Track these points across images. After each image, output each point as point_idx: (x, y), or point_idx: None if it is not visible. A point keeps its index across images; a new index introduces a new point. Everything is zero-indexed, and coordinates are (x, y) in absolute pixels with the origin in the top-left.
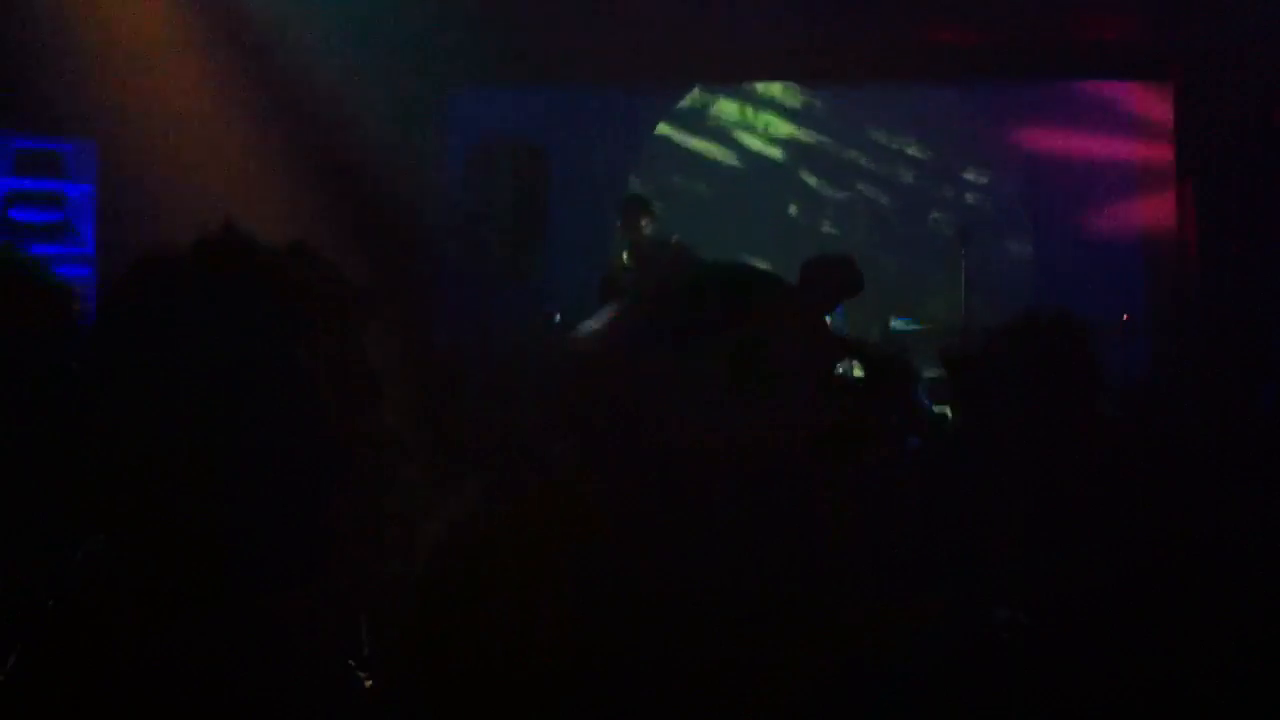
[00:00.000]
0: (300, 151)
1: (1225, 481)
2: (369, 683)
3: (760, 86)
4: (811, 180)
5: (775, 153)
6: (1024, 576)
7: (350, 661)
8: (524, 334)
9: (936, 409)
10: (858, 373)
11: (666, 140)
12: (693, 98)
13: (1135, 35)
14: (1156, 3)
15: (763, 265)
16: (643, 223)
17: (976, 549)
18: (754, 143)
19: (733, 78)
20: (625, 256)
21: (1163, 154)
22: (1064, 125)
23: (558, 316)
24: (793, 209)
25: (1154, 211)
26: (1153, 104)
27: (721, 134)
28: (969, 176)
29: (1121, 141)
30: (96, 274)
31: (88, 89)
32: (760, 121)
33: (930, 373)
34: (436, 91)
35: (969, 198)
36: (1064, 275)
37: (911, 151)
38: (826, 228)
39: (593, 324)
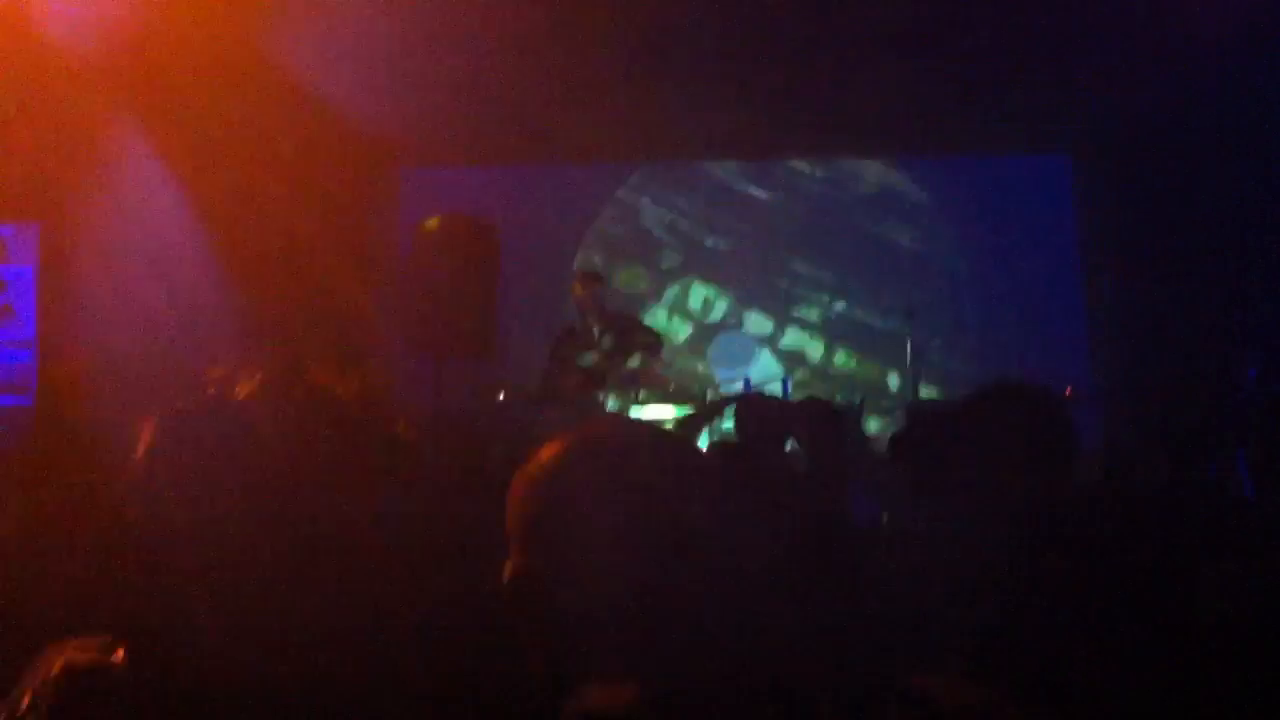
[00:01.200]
0: (251, 232)
1: (1191, 549)
2: None
3: (706, 167)
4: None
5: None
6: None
7: None
8: (478, 408)
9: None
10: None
11: (617, 212)
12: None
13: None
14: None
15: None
16: (593, 292)
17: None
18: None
19: (678, 155)
20: (579, 325)
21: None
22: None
23: (501, 395)
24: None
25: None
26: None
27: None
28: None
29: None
30: (35, 357)
31: (29, 172)
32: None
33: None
34: (388, 170)
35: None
36: (1009, 349)
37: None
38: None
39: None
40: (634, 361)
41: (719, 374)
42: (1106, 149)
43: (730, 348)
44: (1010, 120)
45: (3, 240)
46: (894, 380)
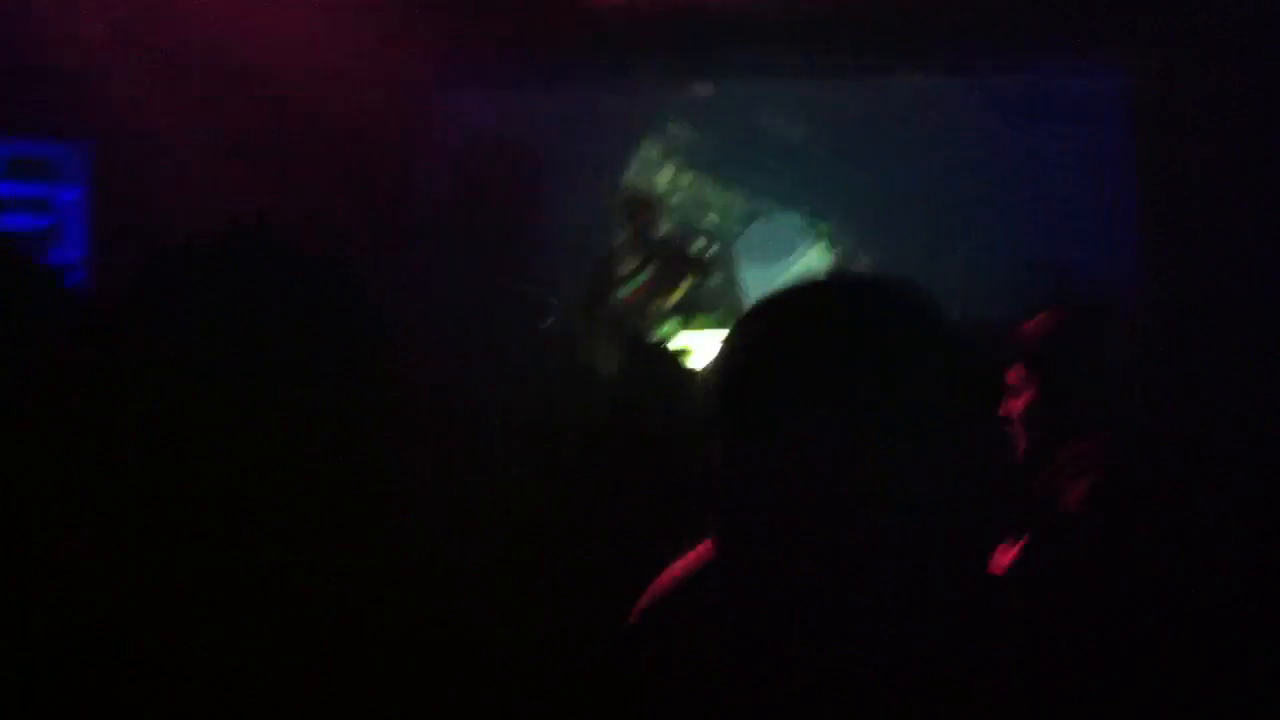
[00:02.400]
0: (294, 150)
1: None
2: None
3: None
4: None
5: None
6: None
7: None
8: (518, 332)
9: None
10: None
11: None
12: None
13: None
14: None
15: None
16: (642, 217)
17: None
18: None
19: (730, 73)
20: (619, 252)
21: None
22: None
23: (550, 319)
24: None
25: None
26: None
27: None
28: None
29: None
30: (89, 278)
31: (82, 91)
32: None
33: None
34: (427, 90)
35: None
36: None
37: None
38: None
39: None
40: (682, 288)
41: (751, 273)
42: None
43: (764, 238)
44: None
45: (50, 160)
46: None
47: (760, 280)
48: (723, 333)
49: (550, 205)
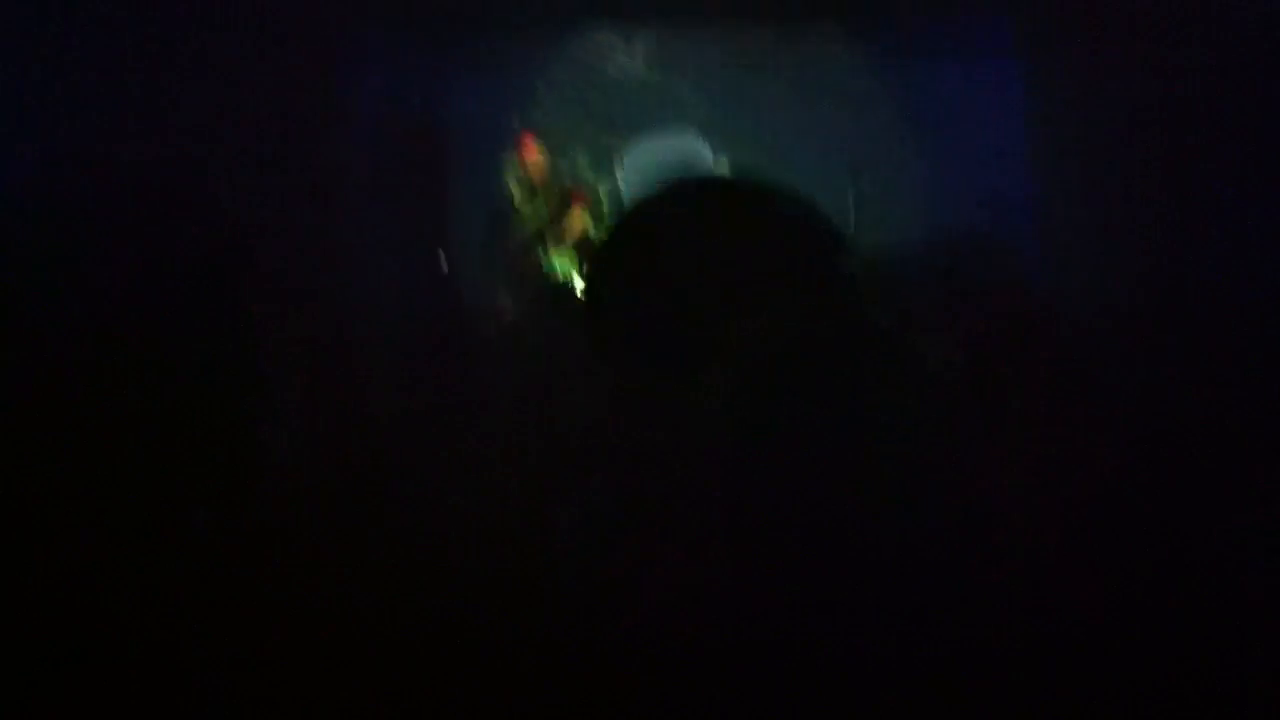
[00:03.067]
0: (219, 118)
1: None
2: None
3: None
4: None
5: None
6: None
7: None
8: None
9: None
10: None
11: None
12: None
13: None
14: None
15: None
16: (533, 160)
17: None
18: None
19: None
20: (516, 194)
21: None
22: None
23: (443, 264)
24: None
25: None
26: None
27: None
28: None
29: None
30: None
31: None
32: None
33: None
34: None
35: None
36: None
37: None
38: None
39: None
40: (574, 227)
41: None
42: None
43: (645, 158)
44: None
45: None
46: None
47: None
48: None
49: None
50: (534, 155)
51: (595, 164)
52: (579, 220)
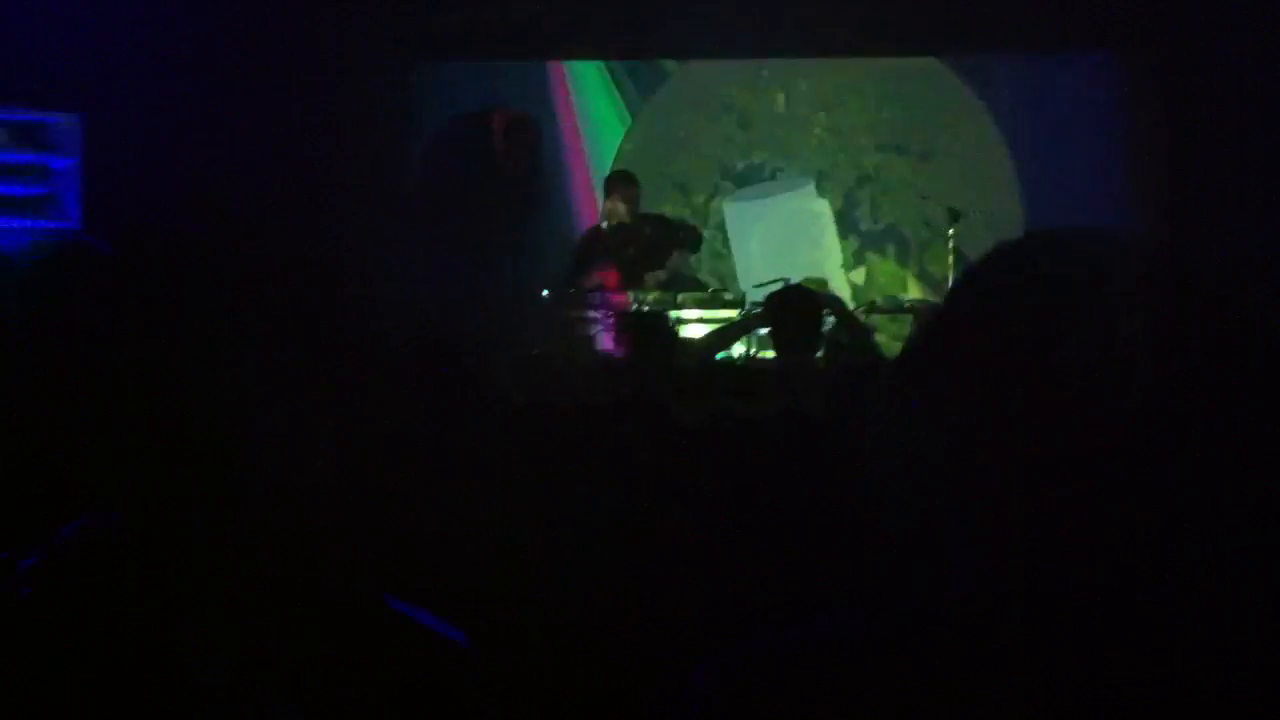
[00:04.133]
0: (281, 128)
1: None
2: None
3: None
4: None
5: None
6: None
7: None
8: (512, 308)
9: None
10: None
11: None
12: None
13: None
14: None
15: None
16: (627, 195)
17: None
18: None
19: (721, 51)
20: (606, 226)
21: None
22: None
23: (545, 291)
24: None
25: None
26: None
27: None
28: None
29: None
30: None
31: (77, 62)
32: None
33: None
34: (414, 64)
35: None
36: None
37: (894, 128)
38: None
39: None
40: (668, 264)
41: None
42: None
43: (756, 208)
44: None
45: (48, 128)
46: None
47: (754, 241)
48: (709, 311)
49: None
50: (629, 192)
51: (693, 205)
52: (671, 260)
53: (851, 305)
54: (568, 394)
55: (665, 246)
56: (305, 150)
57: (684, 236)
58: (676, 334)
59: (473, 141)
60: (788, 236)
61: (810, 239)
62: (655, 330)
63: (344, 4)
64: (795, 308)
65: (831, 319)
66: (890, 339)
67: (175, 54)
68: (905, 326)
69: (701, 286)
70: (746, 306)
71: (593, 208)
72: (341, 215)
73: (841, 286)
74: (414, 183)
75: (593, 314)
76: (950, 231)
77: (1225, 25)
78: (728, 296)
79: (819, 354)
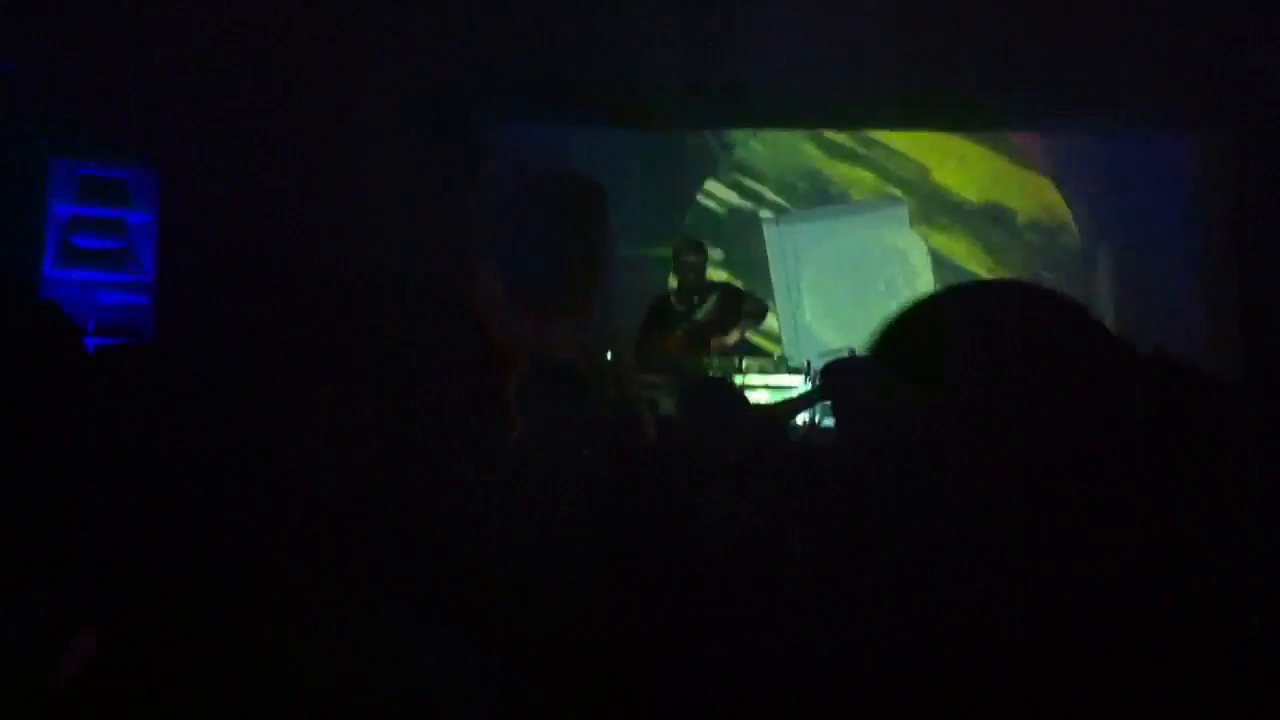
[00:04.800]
0: (356, 181)
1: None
2: None
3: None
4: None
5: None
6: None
7: None
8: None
9: None
10: None
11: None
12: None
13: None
14: None
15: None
16: (693, 263)
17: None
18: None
19: (785, 122)
20: (674, 295)
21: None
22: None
23: (609, 354)
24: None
25: None
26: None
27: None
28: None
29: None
30: (153, 301)
31: (153, 116)
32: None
33: None
34: (488, 126)
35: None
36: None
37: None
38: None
39: None
40: (735, 334)
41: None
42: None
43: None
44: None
45: (124, 183)
46: None
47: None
48: (776, 377)
49: (614, 244)
50: (697, 260)
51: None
52: (739, 330)
53: None
54: (632, 457)
55: (732, 317)
56: (376, 204)
57: (750, 309)
58: (743, 399)
59: (540, 205)
60: (858, 275)
61: (889, 280)
62: (720, 395)
63: (422, 59)
64: (853, 381)
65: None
66: None
67: (248, 106)
68: None
69: (767, 354)
70: (811, 374)
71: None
72: (410, 268)
73: None
74: (483, 241)
75: (657, 379)
76: None
77: None
78: (793, 363)
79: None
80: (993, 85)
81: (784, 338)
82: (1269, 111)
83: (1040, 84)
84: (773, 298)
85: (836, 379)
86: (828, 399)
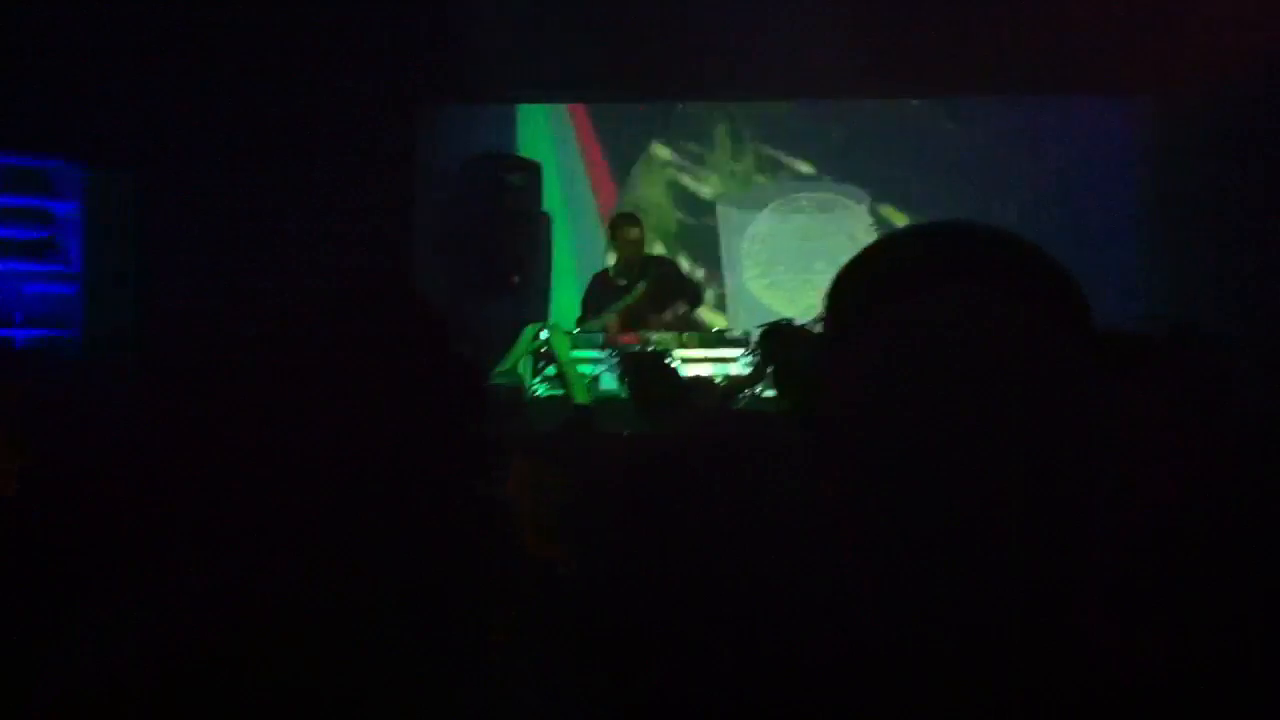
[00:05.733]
0: (288, 164)
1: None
2: None
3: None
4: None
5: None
6: None
7: None
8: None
9: None
10: None
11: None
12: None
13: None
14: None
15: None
16: (631, 236)
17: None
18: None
19: (725, 94)
20: (612, 271)
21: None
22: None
23: (544, 332)
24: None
25: None
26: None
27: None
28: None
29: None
30: (81, 292)
31: (82, 109)
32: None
33: None
34: (425, 105)
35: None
36: None
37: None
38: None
39: None
40: (672, 313)
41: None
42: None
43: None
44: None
45: (48, 173)
46: None
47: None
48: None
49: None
50: (633, 233)
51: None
52: (678, 309)
53: None
54: (568, 429)
55: (669, 293)
56: (311, 192)
57: (688, 288)
58: (678, 373)
59: (478, 184)
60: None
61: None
62: (657, 370)
63: (353, 45)
64: (789, 343)
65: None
66: None
67: (176, 101)
68: None
69: (706, 328)
70: (751, 346)
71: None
72: (349, 249)
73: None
74: (421, 223)
75: (597, 355)
76: None
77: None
78: (731, 336)
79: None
80: (942, 51)
81: (728, 310)
82: (1210, 81)
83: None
84: (720, 271)
85: (774, 342)
86: (766, 362)
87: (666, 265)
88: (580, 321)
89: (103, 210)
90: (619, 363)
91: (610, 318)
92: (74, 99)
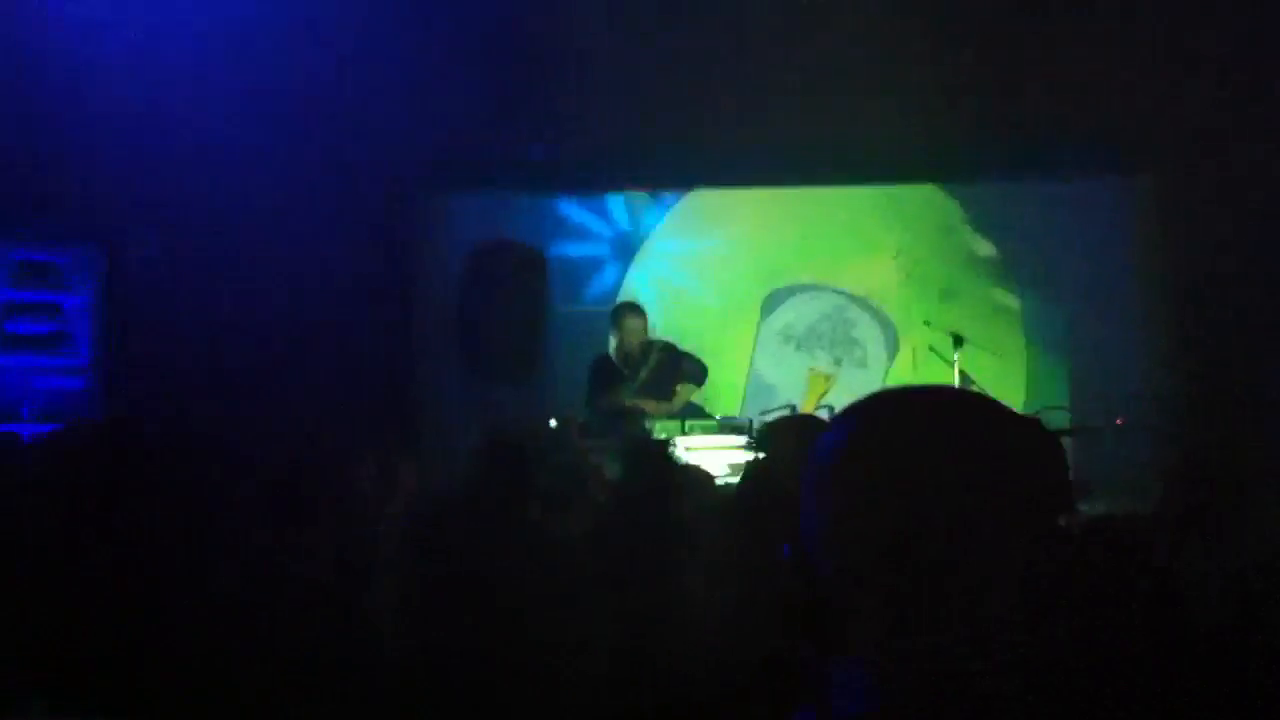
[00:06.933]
0: (302, 255)
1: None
2: None
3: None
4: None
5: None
6: None
7: None
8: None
9: None
10: None
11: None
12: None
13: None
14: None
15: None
16: (633, 326)
17: None
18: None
19: (728, 182)
20: (615, 356)
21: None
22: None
23: (553, 421)
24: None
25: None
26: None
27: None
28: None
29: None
30: (92, 384)
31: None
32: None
33: None
34: (436, 196)
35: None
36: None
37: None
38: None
39: None
40: (676, 399)
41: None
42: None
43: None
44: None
45: (59, 268)
46: None
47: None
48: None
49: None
50: (636, 322)
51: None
52: (681, 392)
53: None
54: (576, 521)
55: (672, 377)
56: (321, 279)
57: (690, 369)
58: (680, 462)
59: (484, 272)
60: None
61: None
62: (660, 458)
63: (358, 132)
64: (792, 439)
65: None
66: None
67: (180, 188)
68: None
69: (709, 415)
70: (752, 433)
71: None
72: (356, 330)
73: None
74: (428, 309)
75: (600, 443)
76: (955, 357)
77: (1224, 148)
78: (735, 423)
79: None
80: (928, 138)
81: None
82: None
83: (974, 138)
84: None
85: (776, 437)
86: (769, 455)
87: (668, 349)
88: (587, 407)
89: (120, 300)
90: (623, 452)
91: (618, 402)
92: (91, 184)
